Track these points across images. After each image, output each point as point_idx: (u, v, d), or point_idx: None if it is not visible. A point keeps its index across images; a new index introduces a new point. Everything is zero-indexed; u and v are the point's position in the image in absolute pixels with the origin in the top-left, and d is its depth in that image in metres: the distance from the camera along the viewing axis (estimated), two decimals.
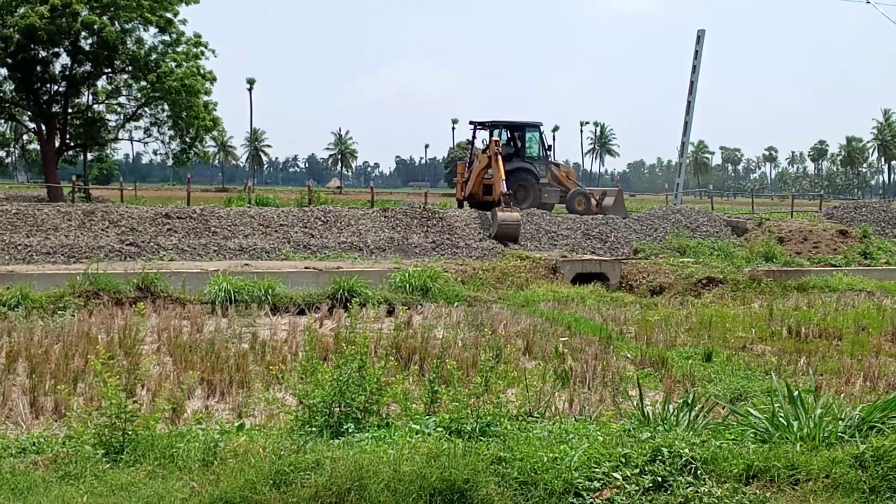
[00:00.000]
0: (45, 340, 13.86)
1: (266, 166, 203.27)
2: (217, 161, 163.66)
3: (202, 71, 48.29)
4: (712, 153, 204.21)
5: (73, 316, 16.59)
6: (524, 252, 27.51)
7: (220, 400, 11.23)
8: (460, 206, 37.70)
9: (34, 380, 11.29)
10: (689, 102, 45.13)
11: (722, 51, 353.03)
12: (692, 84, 44.74)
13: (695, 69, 44.66)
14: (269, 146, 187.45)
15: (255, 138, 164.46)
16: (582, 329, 16.26)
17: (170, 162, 55.09)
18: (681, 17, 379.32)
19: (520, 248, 28.57)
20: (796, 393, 8.50)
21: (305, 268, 22.87)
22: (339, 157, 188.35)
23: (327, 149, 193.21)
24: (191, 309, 17.73)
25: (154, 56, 47.22)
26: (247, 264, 23.29)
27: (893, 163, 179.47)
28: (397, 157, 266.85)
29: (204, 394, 11.46)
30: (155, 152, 53.66)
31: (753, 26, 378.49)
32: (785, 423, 8.04)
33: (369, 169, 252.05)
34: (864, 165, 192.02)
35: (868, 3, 40.93)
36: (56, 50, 46.42)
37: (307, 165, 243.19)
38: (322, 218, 29.58)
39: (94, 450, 7.40)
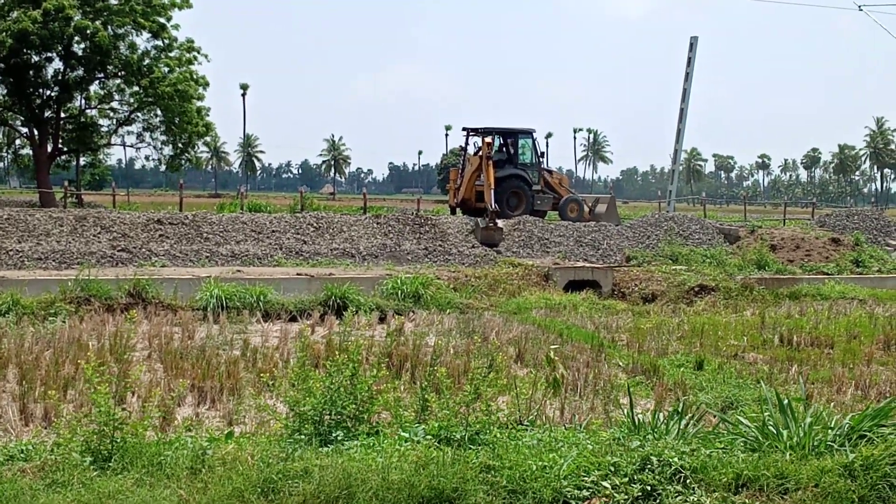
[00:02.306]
0: (35, 347, 13.83)
1: (259, 172, 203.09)
2: (210, 167, 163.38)
3: (195, 76, 48.21)
4: (705, 160, 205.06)
5: (64, 322, 16.55)
6: (516, 259, 27.52)
7: (211, 407, 11.21)
8: (453, 212, 37.69)
9: (24, 386, 11.26)
10: (681, 110, 45.16)
11: (715, 58, 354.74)
12: (685, 91, 44.78)
13: (688, 76, 44.70)
14: (262, 152, 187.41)
15: (248, 144, 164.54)
16: (574, 336, 16.27)
17: (162, 167, 55.03)
18: (674, 25, 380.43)
19: (512, 256, 28.56)
20: (786, 401, 8.50)
21: (297, 274, 22.86)
22: (333, 163, 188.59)
23: (320, 155, 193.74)
24: (182, 315, 17.70)
25: (147, 61, 47.14)
26: (239, 270, 23.26)
27: (886, 171, 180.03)
28: (390, 163, 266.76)
29: (195, 401, 11.44)
30: (147, 158, 53.93)
31: (746, 34, 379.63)
32: (774, 432, 8.04)
33: (362, 175, 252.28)
34: (857, 173, 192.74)
35: (860, 10, 40.98)
36: (49, 55, 46.29)
37: (300, 171, 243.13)
38: (314, 224, 29.56)
39: (82, 457, 7.38)
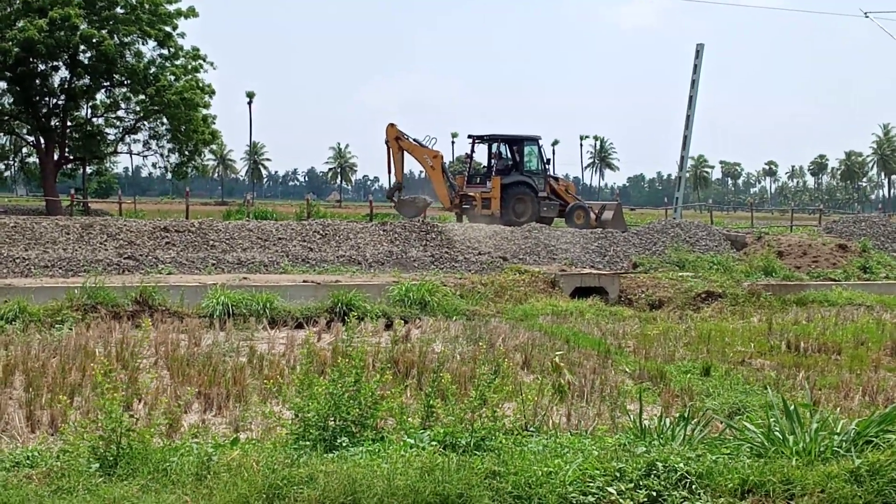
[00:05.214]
0: (42, 354, 13.84)
1: (266, 180, 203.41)
2: (216, 174, 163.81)
3: (201, 84, 48.41)
4: (712, 167, 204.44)
5: (71, 329, 16.55)
6: (523, 266, 27.47)
7: (217, 414, 11.21)
8: (459, 219, 37.76)
9: (31, 393, 11.28)
10: (688, 117, 45.15)
11: (722, 65, 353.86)
12: (691, 98, 44.80)
13: (694, 83, 44.71)
14: (268, 160, 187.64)
15: (254, 152, 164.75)
16: (580, 343, 16.23)
17: (169, 175, 55.23)
18: (680, 32, 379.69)
19: (519, 262, 28.53)
20: (792, 407, 8.48)
21: (304, 281, 22.84)
22: (339, 170, 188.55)
23: (327, 163, 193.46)
24: (188, 322, 17.71)
25: (153, 69, 47.36)
26: (245, 278, 23.24)
27: (893, 177, 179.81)
28: None
29: (201, 407, 11.44)
30: (154, 165, 53.95)
31: (752, 41, 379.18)
32: (781, 438, 8.02)
33: (369, 182, 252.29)
34: (864, 180, 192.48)
35: (867, 16, 41.02)
36: (55, 63, 46.55)
37: (307, 179, 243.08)
38: (321, 231, 29.55)
39: (88, 463, 7.39)
